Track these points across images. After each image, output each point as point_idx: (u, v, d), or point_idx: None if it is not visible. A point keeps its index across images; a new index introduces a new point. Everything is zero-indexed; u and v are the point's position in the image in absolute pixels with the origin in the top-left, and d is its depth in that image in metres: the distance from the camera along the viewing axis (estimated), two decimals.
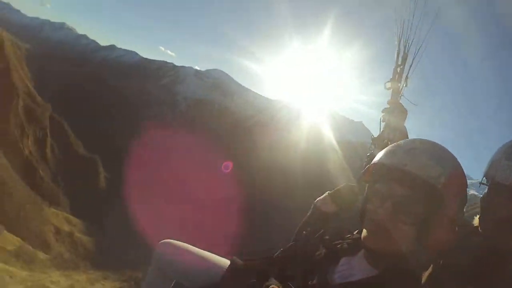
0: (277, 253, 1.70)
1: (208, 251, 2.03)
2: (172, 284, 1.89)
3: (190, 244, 2.02)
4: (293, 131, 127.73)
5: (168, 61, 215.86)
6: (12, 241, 50.32)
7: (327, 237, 1.60)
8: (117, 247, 78.04)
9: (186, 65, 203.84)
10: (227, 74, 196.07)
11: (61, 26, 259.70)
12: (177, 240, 2.06)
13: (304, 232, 1.71)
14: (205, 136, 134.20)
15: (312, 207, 1.94)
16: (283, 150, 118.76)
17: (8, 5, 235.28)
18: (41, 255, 53.43)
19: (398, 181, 1.21)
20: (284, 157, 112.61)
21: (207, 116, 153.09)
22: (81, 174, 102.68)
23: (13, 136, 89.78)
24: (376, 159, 1.39)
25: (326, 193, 1.94)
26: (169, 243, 2.03)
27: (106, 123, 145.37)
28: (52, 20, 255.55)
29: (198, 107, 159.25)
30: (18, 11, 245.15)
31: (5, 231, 51.34)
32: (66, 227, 74.23)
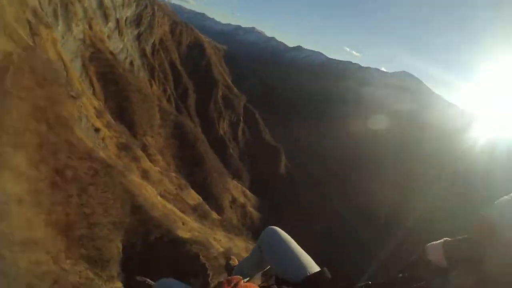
0: (362, 284, 1.66)
1: (306, 252, 2.11)
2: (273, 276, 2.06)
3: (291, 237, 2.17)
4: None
5: (353, 61, 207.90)
6: (194, 197, 58.86)
7: None
8: (280, 227, 79.24)
9: (372, 66, 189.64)
10: (415, 77, 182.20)
11: (252, 30, 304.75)
12: (282, 230, 2.20)
13: (400, 275, 1.55)
14: (388, 138, 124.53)
15: (421, 250, 1.60)
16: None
17: (203, 15, 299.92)
18: (214, 215, 60.13)
19: None
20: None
21: (392, 121, 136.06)
22: (264, 158, 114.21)
23: (212, 118, 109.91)
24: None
25: (442, 240, 1.52)
26: (274, 230, 2.24)
27: (291, 117, 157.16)
28: (243, 25, 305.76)
29: (383, 109, 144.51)
30: (213, 19, 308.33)
31: (190, 189, 60.95)
32: (241, 199, 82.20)
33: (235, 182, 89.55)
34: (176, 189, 53.32)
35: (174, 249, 39.71)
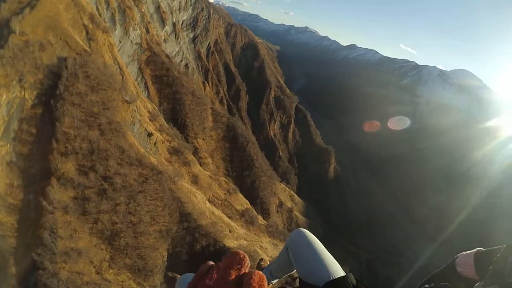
0: None
1: (333, 256, 2.08)
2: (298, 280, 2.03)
3: (319, 240, 2.14)
4: None
5: (409, 59, 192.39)
6: (242, 202, 56.57)
7: None
8: (325, 236, 74.21)
9: (429, 64, 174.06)
10: (475, 76, 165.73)
11: (304, 29, 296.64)
12: (309, 232, 2.18)
13: (426, 286, 1.49)
14: (444, 144, 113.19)
15: (450, 260, 1.57)
16: None
17: (257, 16, 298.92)
18: (260, 220, 57.27)
19: None
20: None
21: (450, 122, 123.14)
22: (314, 161, 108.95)
23: (263, 120, 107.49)
24: None
25: (475, 251, 1.45)
26: (302, 232, 2.23)
27: (343, 118, 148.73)
28: (296, 25, 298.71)
29: (440, 112, 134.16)
30: (266, 20, 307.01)
31: (239, 193, 58.84)
32: (288, 203, 78.07)
33: (283, 185, 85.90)
34: (224, 194, 51.42)
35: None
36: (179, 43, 66.17)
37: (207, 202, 42.85)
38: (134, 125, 33.19)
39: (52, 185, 23.22)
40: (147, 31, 51.60)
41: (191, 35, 73.31)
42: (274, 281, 2.50)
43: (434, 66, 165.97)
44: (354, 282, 1.67)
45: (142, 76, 49.54)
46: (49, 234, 22.54)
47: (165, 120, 52.67)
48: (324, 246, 2.12)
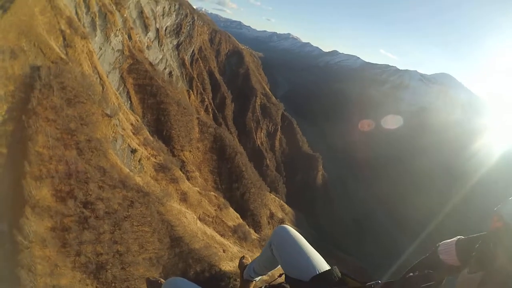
0: (372, 283, 1.64)
1: (317, 251, 2.12)
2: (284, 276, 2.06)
3: (303, 237, 2.17)
4: None
5: (390, 64, 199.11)
6: (233, 217, 53.62)
7: None
8: (315, 243, 72.95)
9: (410, 69, 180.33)
10: (455, 79, 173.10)
11: (287, 36, 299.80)
12: (293, 229, 2.20)
13: (411, 274, 1.49)
14: (426, 147, 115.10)
15: (433, 249, 1.57)
16: None
17: (239, 23, 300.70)
18: (253, 234, 54.61)
19: None
20: None
21: (431, 125, 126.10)
22: (301, 168, 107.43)
23: (249, 128, 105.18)
24: None
25: (456, 239, 1.47)
26: (285, 228, 2.24)
27: (327, 123, 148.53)
28: (278, 32, 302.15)
29: (422, 115, 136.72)
30: (249, 26, 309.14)
31: (229, 207, 56.00)
32: (279, 213, 75.77)
33: (272, 195, 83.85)
34: (215, 210, 48.44)
35: (216, 284, 34.68)
36: (163, 50, 62.83)
37: (198, 221, 39.74)
38: (116, 141, 29.83)
39: (27, 216, 19.73)
40: (130, 37, 48.06)
41: (175, 42, 70.06)
42: (258, 278, 2.43)
43: (415, 71, 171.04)
44: (340, 274, 1.69)
45: (124, 85, 45.95)
46: (27, 273, 19.04)
47: (149, 132, 49.18)
48: None
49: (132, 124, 39.76)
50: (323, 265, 1.94)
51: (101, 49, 39.31)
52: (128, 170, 28.97)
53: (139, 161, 33.09)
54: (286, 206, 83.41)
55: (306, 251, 2.03)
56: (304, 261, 1.96)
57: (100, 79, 33.80)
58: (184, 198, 40.19)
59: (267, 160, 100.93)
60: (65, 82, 23.97)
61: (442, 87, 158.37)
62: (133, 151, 32.38)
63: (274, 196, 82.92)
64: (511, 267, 0.99)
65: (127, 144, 31.72)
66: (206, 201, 46.49)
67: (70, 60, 27.74)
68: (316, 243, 71.75)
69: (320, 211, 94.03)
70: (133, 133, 39.06)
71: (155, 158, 38.99)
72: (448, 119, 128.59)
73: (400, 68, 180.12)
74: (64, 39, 28.39)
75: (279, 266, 2.26)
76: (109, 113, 28.83)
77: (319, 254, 2.06)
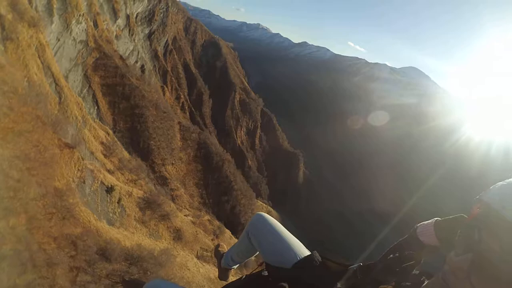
0: (354, 265, 1.60)
1: (296, 237, 2.04)
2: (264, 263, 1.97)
3: (282, 224, 2.08)
4: None
5: (359, 56, 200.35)
6: (230, 242, 45.61)
7: (415, 272, 1.42)
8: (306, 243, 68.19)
9: (380, 62, 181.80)
10: (423, 73, 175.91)
11: (257, 26, 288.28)
12: (270, 216, 2.10)
13: (391, 256, 1.51)
14: (395, 139, 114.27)
15: (411, 230, 1.55)
16: None
17: (208, 12, 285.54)
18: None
19: None
20: None
21: (402, 117, 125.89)
22: (283, 167, 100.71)
23: (229, 126, 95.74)
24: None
25: (433, 220, 1.49)
26: (262, 216, 2.09)
27: (301, 116, 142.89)
28: (248, 22, 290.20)
29: (393, 107, 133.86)
30: (218, 16, 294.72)
31: (224, 228, 47.69)
32: None
33: (260, 202, 76.84)
34: (212, 240, 39.52)
35: None
36: (134, 40, 50.70)
37: (197, 261, 30.82)
38: (84, 182, 19.64)
39: None
40: (95, 24, 35.96)
41: (147, 31, 57.63)
42: (235, 266, 2.46)
43: (385, 64, 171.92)
44: (320, 258, 1.73)
45: (89, 86, 34.44)
46: None
47: (123, 145, 38.31)
48: None
49: (102, 143, 29.08)
50: (303, 251, 1.84)
51: (58, 40, 27.61)
52: (107, 227, 19.07)
53: (118, 202, 23.04)
54: (273, 211, 76.92)
55: (286, 238, 1.91)
56: (285, 249, 1.85)
57: (56, 84, 22.82)
58: (178, 236, 30.80)
59: (249, 161, 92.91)
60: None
61: (411, 80, 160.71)
62: (109, 189, 22.29)
63: (262, 203, 76.18)
64: (497, 247, 0.98)
65: (99, 182, 21.53)
66: (202, 231, 37.34)
67: (9, 60, 16.92)
68: (305, 245, 66.67)
69: (303, 209, 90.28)
70: (105, 156, 28.46)
71: (138, 187, 28.91)
72: (417, 113, 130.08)
73: (370, 61, 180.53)
74: (3, 28, 17.37)
75: (257, 253, 2.11)
76: (70, 142, 18.51)
77: (298, 240, 1.93)
